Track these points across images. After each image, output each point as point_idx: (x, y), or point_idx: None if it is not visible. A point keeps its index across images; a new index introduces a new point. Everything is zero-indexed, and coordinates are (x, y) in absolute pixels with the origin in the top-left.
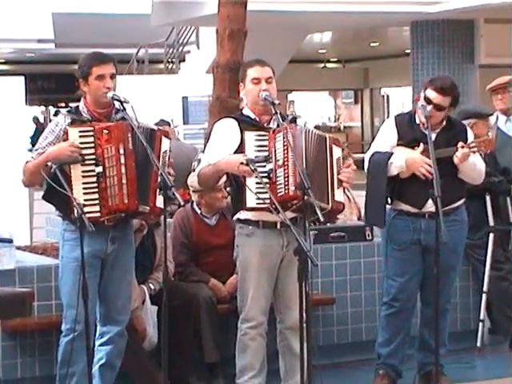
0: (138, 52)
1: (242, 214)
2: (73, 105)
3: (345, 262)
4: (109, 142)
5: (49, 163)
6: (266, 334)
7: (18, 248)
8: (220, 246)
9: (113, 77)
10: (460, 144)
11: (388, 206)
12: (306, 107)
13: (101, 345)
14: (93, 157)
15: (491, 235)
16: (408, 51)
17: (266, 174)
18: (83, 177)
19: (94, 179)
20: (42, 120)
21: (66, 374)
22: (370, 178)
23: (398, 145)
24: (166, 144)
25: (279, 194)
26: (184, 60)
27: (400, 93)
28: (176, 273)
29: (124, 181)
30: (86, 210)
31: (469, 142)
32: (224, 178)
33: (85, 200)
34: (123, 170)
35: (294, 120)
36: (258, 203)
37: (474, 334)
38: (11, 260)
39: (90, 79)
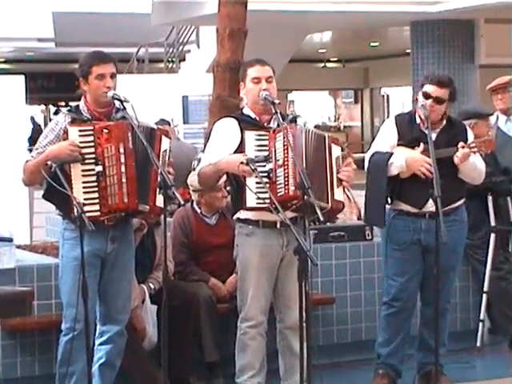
0: (138, 51)
1: (242, 214)
2: (73, 104)
3: (344, 262)
4: (109, 141)
5: (49, 162)
6: (266, 334)
7: (18, 247)
8: (220, 245)
9: (113, 76)
10: (460, 144)
11: (388, 206)
12: (305, 107)
13: (100, 344)
14: (93, 156)
15: (492, 235)
16: (408, 51)
17: (265, 174)
18: (83, 176)
19: (94, 178)
20: (38, 120)
21: (66, 373)
22: (370, 177)
23: (398, 145)
24: (165, 143)
25: (279, 194)
26: (184, 59)
27: (400, 93)
28: (176, 272)
29: (124, 180)
30: (85, 209)
31: (469, 142)
32: (224, 177)
33: (85, 199)
34: (123, 169)
35: (294, 120)
36: (257, 203)
37: (474, 333)
38: (11, 259)
39: (90, 78)
